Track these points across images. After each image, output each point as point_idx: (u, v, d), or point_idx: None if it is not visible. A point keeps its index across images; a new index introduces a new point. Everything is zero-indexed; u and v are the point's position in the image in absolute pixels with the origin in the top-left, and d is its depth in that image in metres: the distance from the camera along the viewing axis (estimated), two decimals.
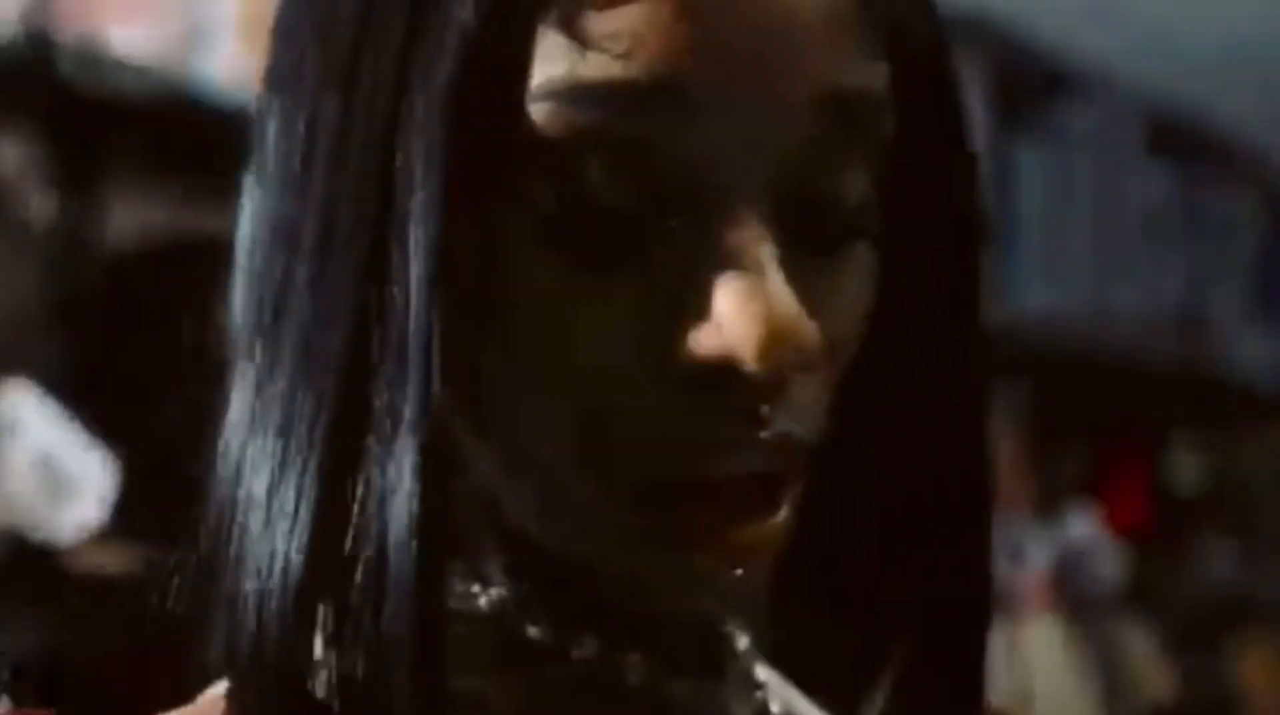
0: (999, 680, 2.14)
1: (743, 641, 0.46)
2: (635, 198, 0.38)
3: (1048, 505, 2.59)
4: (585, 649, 0.42)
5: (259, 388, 0.41)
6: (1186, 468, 3.28)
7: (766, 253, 0.38)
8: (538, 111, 0.37)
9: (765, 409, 0.38)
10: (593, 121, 0.37)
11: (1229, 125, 3.32)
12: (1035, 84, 2.76)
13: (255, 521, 0.39)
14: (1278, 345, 3.52)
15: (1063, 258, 2.63)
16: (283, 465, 0.39)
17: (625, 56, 0.37)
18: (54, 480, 1.32)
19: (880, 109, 0.40)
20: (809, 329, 0.37)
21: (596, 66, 0.37)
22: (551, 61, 0.37)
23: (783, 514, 0.39)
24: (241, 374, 0.41)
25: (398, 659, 0.38)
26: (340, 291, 0.39)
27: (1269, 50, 2.96)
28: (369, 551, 0.38)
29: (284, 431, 0.39)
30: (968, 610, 0.45)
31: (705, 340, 0.38)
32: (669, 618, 0.43)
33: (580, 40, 0.37)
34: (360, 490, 0.38)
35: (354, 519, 0.39)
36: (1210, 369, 3.15)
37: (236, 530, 0.40)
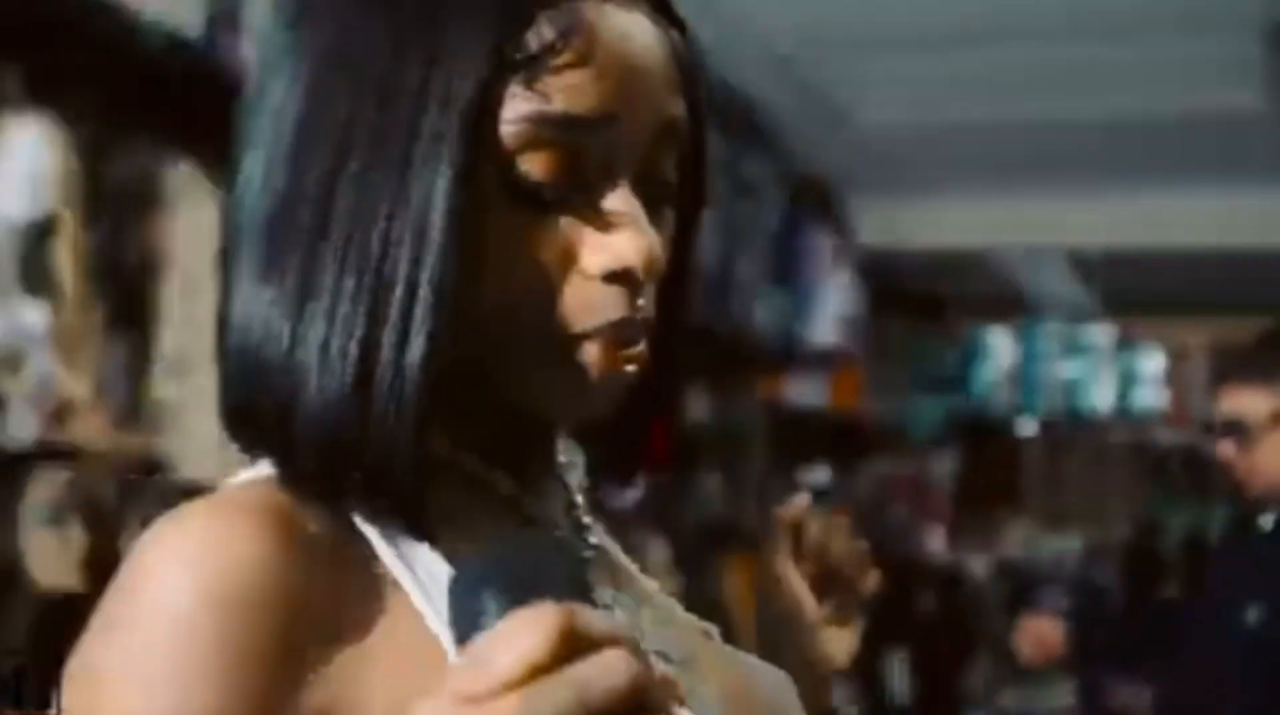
0: None
1: (575, 477, 0.74)
2: (566, 176, 0.65)
3: None
4: (502, 486, 0.69)
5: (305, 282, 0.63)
6: (697, 410, 3.62)
7: (638, 209, 0.66)
8: (514, 128, 0.64)
9: (641, 301, 0.66)
10: (550, 137, 0.64)
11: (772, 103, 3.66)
12: None
13: (313, 358, 0.63)
14: (784, 308, 3.93)
15: None
16: (335, 322, 0.62)
17: (574, 100, 0.64)
18: None
19: (684, 128, 0.70)
20: (661, 254, 0.67)
21: (557, 105, 0.64)
22: (520, 102, 0.64)
23: (641, 349, 0.67)
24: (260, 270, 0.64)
25: (403, 421, 0.61)
26: (375, 210, 0.63)
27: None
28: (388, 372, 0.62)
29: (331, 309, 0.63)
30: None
31: (608, 258, 0.65)
32: (541, 444, 0.72)
33: (543, 91, 0.64)
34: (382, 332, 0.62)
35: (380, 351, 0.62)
36: (729, 323, 3.49)
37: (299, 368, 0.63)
